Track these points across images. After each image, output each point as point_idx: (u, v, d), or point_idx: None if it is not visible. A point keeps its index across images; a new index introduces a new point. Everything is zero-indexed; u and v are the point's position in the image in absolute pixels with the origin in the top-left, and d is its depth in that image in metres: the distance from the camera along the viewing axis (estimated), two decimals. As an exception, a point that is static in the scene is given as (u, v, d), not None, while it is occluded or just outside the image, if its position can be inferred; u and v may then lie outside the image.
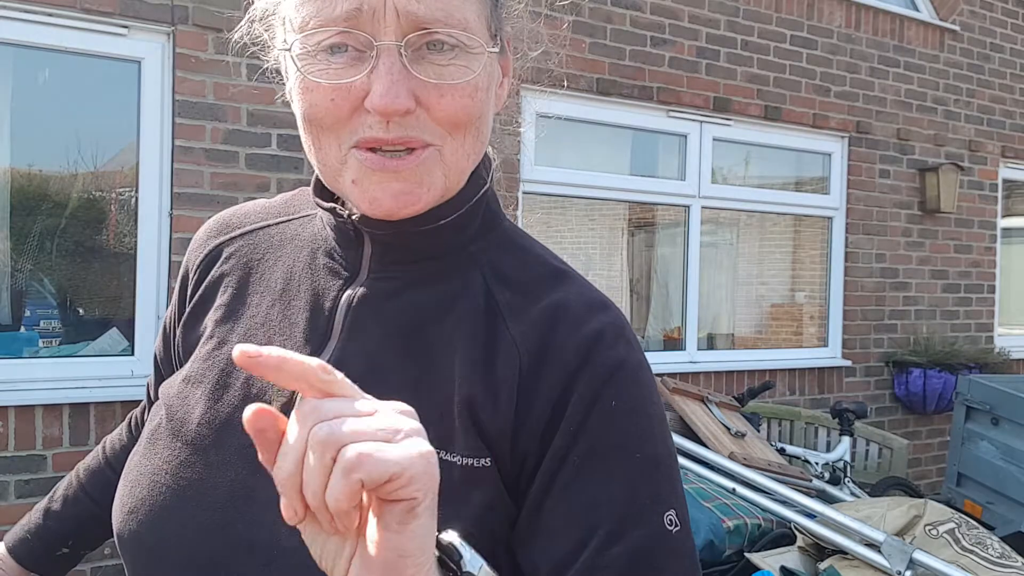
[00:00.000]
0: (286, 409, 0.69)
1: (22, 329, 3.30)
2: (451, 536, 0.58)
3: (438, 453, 0.64)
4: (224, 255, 0.85)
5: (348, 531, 0.51)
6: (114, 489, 1.03)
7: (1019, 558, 2.60)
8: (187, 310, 0.85)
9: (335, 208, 0.76)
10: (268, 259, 0.83)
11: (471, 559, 0.58)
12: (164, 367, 0.94)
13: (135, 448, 0.80)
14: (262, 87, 3.40)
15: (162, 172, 3.37)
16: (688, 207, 4.87)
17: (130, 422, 1.07)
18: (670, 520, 0.69)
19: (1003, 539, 2.86)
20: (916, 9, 5.69)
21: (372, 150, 0.69)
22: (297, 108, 0.72)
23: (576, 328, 0.72)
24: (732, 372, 4.82)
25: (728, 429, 3.41)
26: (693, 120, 4.79)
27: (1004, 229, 6.20)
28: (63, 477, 1.08)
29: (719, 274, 5.34)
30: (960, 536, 2.59)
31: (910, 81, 5.58)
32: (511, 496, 0.70)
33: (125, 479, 0.78)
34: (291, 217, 0.86)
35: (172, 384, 0.81)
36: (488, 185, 0.79)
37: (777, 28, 5.00)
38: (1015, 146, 6.14)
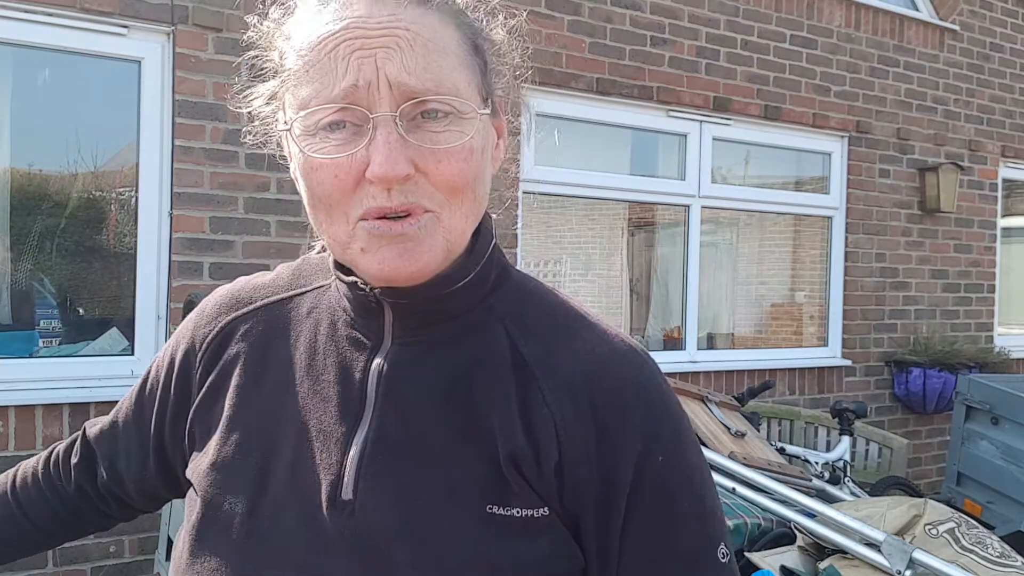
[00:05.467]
0: (332, 492, 0.72)
1: (23, 329, 3.30)
2: None
3: (492, 509, 0.70)
4: (240, 331, 0.85)
5: None
6: (14, 524, 0.98)
7: (1019, 557, 2.60)
8: (204, 389, 0.84)
9: (356, 282, 0.77)
10: (287, 334, 0.83)
11: None
12: (139, 430, 0.94)
13: (178, 545, 0.79)
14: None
15: (162, 172, 3.37)
16: (688, 207, 4.86)
17: (49, 456, 1.02)
18: (723, 554, 0.75)
19: (1003, 538, 2.86)
20: (916, 9, 5.68)
21: (379, 219, 0.71)
22: (303, 187, 0.75)
23: (608, 378, 0.75)
24: (732, 372, 4.82)
25: (728, 429, 3.41)
26: (693, 120, 4.78)
27: (1004, 229, 6.19)
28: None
29: (719, 274, 5.34)
30: (960, 535, 2.59)
31: (910, 81, 5.58)
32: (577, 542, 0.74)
33: None
34: (303, 290, 0.86)
35: (199, 470, 0.80)
36: (495, 239, 0.82)
37: (777, 28, 5.00)
38: (1015, 146, 6.14)
